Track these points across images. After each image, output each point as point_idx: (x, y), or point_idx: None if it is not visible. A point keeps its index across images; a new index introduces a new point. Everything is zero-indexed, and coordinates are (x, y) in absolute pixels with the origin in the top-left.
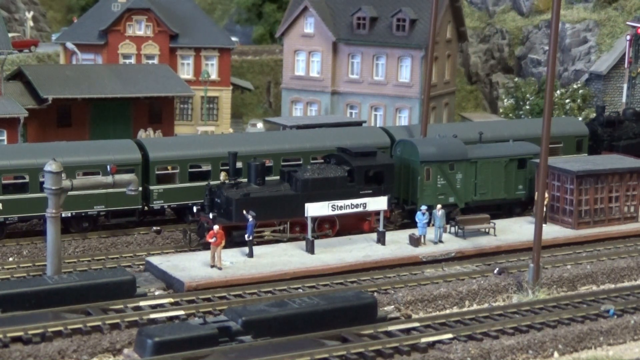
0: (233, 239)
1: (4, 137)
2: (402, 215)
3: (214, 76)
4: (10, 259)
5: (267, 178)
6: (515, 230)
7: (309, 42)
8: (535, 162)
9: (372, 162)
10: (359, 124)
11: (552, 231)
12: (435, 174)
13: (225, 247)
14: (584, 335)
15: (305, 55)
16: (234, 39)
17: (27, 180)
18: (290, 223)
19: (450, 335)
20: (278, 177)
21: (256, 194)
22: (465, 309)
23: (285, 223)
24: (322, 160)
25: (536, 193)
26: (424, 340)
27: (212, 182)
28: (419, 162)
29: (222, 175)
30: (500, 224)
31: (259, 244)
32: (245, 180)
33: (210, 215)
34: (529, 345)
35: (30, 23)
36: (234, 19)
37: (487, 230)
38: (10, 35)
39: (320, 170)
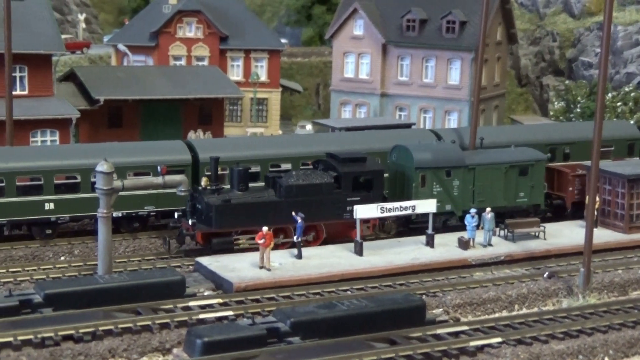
0: (212, 247)
1: (57, 138)
2: (397, 223)
3: (263, 78)
4: (62, 258)
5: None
6: (566, 234)
7: (359, 44)
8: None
9: (360, 169)
10: (407, 126)
11: (603, 235)
12: (431, 180)
13: (204, 255)
14: (635, 340)
15: (355, 57)
16: (283, 40)
17: (78, 180)
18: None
19: (499, 339)
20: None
21: (237, 200)
22: (514, 313)
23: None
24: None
25: (587, 197)
26: (472, 343)
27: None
28: (413, 168)
29: (204, 181)
30: (551, 227)
31: (244, 250)
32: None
33: (190, 222)
34: (579, 350)
35: (83, 25)
36: (284, 21)
37: (536, 233)
38: (63, 37)
39: (306, 176)
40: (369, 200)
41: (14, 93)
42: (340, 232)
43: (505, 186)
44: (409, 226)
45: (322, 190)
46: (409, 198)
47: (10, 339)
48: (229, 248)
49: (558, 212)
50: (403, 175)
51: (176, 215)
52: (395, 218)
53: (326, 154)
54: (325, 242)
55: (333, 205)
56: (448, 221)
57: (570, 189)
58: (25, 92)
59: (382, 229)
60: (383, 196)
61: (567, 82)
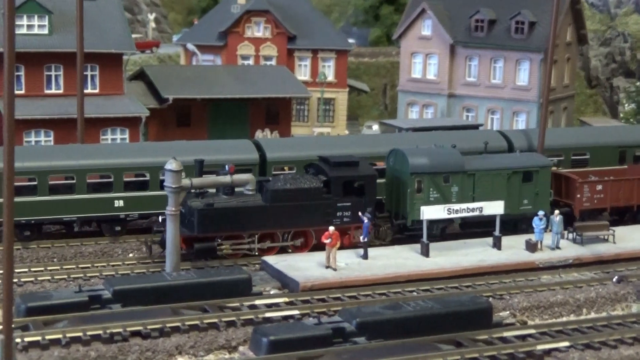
0: (195, 252)
1: (126, 136)
2: (393, 230)
3: (330, 78)
4: (131, 254)
5: None
6: (636, 238)
7: (426, 44)
8: None
9: (351, 173)
10: (475, 127)
11: None
12: (428, 186)
13: (185, 260)
14: None
15: (422, 58)
16: (350, 40)
17: (147, 178)
18: (259, 236)
19: (567, 344)
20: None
21: (221, 205)
22: (582, 317)
23: (254, 235)
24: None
25: None
26: (539, 347)
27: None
28: (409, 173)
29: None
30: (620, 231)
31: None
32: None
33: None
34: None
35: (153, 24)
36: (351, 21)
37: (606, 237)
38: (133, 36)
39: (293, 181)
40: (360, 206)
41: (85, 91)
42: None
43: (508, 193)
44: (404, 233)
45: (311, 195)
46: (404, 204)
47: (80, 333)
48: (211, 254)
49: (566, 221)
50: (399, 181)
51: (160, 219)
52: (391, 225)
53: (318, 158)
54: (315, 249)
55: (322, 211)
56: (446, 228)
57: (579, 196)
58: (96, 91)
59: (377, 235)
60: (376, 202)
61: (638, 83)
